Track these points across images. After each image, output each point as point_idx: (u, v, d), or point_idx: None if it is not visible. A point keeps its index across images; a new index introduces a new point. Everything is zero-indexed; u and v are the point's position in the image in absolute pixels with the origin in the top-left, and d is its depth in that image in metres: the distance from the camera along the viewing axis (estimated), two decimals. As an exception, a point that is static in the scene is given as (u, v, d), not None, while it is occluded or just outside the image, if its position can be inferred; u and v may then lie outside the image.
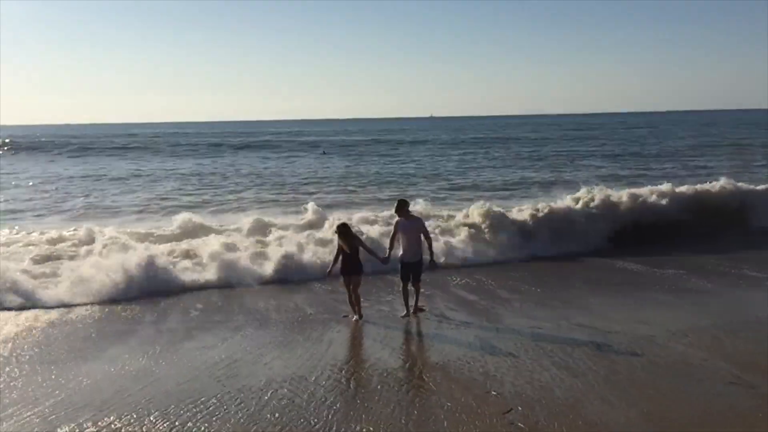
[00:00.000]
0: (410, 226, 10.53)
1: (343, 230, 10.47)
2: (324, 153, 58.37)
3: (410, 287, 10.65)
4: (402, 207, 10.59)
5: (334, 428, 6.57)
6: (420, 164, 42.58)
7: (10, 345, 9.49)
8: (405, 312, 10.60)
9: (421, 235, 10.58)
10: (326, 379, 7.91)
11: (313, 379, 7.90)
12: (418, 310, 10.72)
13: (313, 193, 27.10)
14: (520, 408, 6.90)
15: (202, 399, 7.32)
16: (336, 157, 50.29)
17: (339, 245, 10.44)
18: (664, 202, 18.82)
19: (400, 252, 10.57)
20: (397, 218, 10.69)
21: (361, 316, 10.46)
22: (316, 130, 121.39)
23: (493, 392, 7.35)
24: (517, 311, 10.85)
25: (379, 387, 7.62)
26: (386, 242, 11.20)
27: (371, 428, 6.57)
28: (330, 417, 6.82)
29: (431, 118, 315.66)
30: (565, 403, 7.05)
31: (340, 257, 10.43)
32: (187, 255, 14.54)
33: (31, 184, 32.60)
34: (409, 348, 9.27)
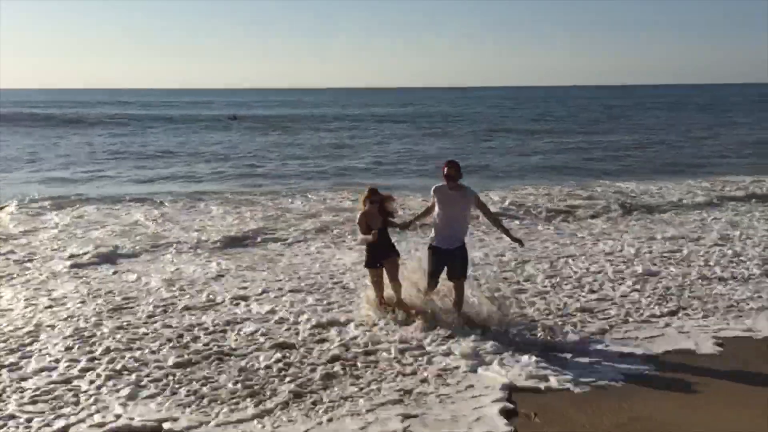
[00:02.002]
0: (454, 196, 7.56)
1: (379, 196, 7.79)
2: (234, 119, 55.16)
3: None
4: (455, 170, 7.51)
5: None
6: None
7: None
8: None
9: (469, 213, 7.86)
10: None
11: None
12: (465, 322, 7.65)
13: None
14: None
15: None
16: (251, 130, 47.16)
17: (365, 219, 7.78)
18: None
19: (432, 235, 7.77)
20: (437, 185, 7.73)
21: (410, 311, 7.84)
22: (220, 100, 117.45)
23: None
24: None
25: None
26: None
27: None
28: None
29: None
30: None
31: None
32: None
33: None
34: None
